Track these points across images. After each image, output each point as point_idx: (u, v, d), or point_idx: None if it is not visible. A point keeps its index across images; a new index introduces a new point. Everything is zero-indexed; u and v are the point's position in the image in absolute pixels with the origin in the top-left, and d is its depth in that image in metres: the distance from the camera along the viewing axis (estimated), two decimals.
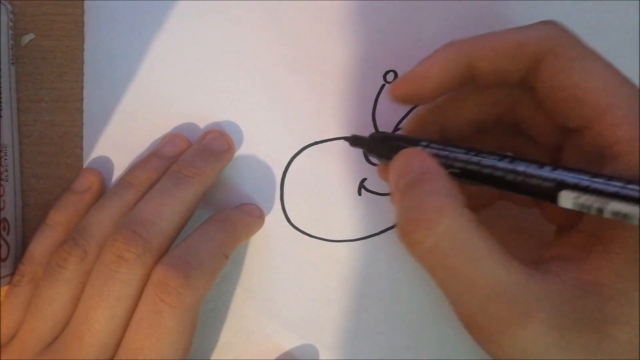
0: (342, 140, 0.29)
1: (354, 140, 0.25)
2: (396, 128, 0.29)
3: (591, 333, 0.18)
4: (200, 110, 0.29)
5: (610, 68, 0.20)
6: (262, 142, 0.29)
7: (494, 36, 0.21)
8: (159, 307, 0.22)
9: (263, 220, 0.28)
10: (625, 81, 0.19)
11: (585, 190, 0.18)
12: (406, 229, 0.19)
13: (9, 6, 0.28)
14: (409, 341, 0.28)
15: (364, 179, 0.29)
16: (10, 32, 0.28)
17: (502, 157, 0.20)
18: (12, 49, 0.28)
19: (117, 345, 0.23)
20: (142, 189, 0.26)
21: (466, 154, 0.20)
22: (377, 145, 0.23)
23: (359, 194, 0.29)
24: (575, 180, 0.18)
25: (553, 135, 0.22)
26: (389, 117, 0.29)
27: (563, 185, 0.18)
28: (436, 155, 0.21)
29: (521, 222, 0.26)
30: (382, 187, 0.29)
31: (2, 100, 0.27)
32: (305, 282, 0.29)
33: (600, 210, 0.17)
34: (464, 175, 0.20)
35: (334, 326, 0.29)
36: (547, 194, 0.18)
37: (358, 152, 0.29)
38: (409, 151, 0.21)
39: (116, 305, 0.23)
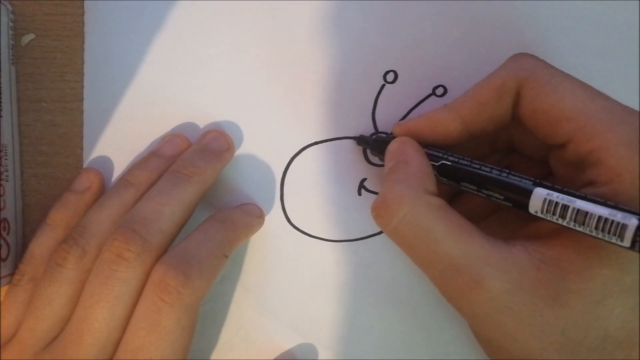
0: (342, 141, 0.29)
1: (360, 140, 0.28)
2: None
3: (547, 301, 0.20)
4: (200, 110, 0.29)
5: (582, 85, 0.22)
6: (262, 142, 0.29)
7: (475, 90, 0.24)
8: (159, 307, 0.22)
9: (263, 219, 0.28)
10: (597, 94, 0.22)
11: (557, 190, 0.20)
12: (374, 212, 0.23)
13: (9, 6, 0.28)
14: (409, 341, 0.28)
15: (364, 179, 0.29)
16: (11, 32, 0.28)
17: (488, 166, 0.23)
18: (12, 49, 0.28)
19: (117, 344, 0.23)
20: (141, 188, 0.26)
21: (454, 156, 0.24)
22: (380, 144, 0.26)
23: (359, 194, 0.29)
24: (549, 184, 0.20)
25: (542, 151, 0.24)
26: (389, 117, 0.29)
27: (539, 184, 0.21)
28: (428, 151, 0.24)
29: (506, 212, 0.26)
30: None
31: (2, 100, 0.27)
32: (305, 282, 0.29)
33: (565, 210, 0.19)
34: (454, 170, 0.23)
35: (334, 326, 0.29)
36: (523, 192, 0.21)
37: (358, 152, 0.29)
38: (398, 139, 0.25)
39: (116, 304, 0.23)
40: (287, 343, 0.29)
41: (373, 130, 0.29)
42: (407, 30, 0.28)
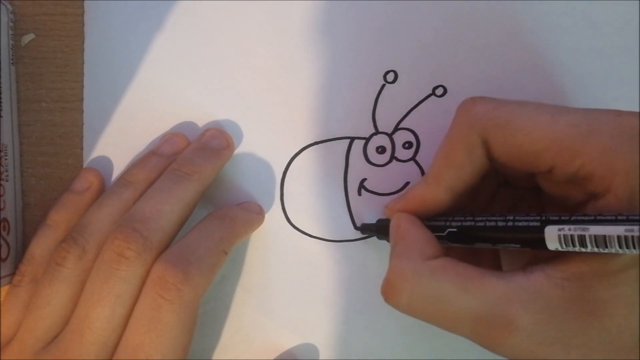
0: (342, 141, 0.29)
1: (363, 229, 0.28)
2: (396, 129, 0.29)
3: (583, 317, 0.19)
4: (200, 110, 0.29)
5: (538, 108, 0.21)
6: (262, 142, 0.29)
7: (445, 156, 0.23)
8: (158, 304, 0.22)
9: (263, 217, 0.28)
10: (556, 111, 0.21)
11: (566, 222, 0.19)
12: (384, 296, 0.23)
13: (9, 6, 0.28)
14: (409, 341, 0.28)
15: (364, 179, 0.29)
16: (11, 32, 0.28)
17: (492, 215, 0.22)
18: (12, 49, 0.28)
19: (117, 343, 0.23)
20: (140, 187, 0.26)
21: (462, 216, 0.23)
22: (384, 229, 0.26)
23: (359, 194, 0.29)
24: (556, 217, 0.20)
25: (531, 179, 0.24)
26: (389, 117, 0.29)
27: (547, 222, 0.20)
28: (431, 222, 0.24)
29: None
30: (381, 187, 0.29)
31: (2, 100, 0.27)
32: (305, 282, 0.29)
33: (583, 239, 0.19)
34: (461, 234, 0.23)
35: (334, 326, 0.29)
36: (535, 232, 0.20)
37: (358, 152, 0.29)
38: (393, 217, 0.25)
39: (116, 303, 0.23)
40: (287, 343, 0.29)
41: (373, 131, 0.29)
42: (408, 30, 0.28)
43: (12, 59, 0.28)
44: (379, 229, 0.27)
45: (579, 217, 0.19)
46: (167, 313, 0.22)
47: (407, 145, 0.29)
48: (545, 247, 0.20)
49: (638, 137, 0.19)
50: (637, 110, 0.21)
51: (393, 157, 0.29)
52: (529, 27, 0.28)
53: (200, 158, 0.27)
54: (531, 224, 0.20)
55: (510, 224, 0.21)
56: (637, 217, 0.18)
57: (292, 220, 0.29)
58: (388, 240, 0.25)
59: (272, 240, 0.29)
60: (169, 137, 0.28)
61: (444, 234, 0.23)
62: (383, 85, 0.28)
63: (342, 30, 0.29)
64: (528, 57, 0.28)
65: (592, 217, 0.19)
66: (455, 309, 0.21)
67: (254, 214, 0.28)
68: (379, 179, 0.29)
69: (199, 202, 0.26)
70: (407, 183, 0.28)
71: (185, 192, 0.25)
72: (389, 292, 0.23)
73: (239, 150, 0.29)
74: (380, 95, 0.29)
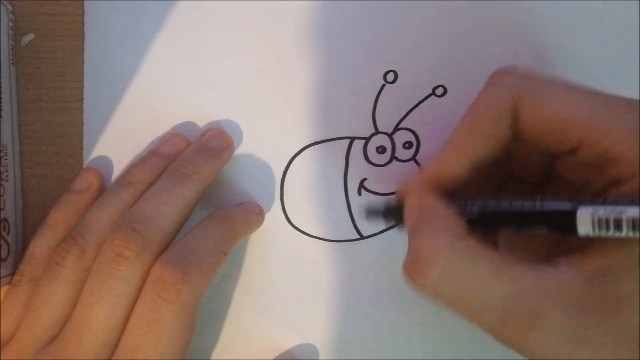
0: (342, 141, 0.29)
1: (369, 212, 0.25)
2: (396, 128, 0.29)
3: (611, 312, 0.19)
4: (200, 110, 0.29)
5: (574, 85, 0.21)
6: (262, 142, 0.29)
7: (471, 121, 0.22)
8: (158, 304, 0.22)
9: (263, 217, 0.28)
10: (592, 91, 0.21)
11: (601, 204, 0.18)
12: (409, 273, 0.21)
13: (9, 6, 0.28)
14: (409, 340, 0.28)
15: (364, 179, 0.29)
16: (11, 32, 0.28)
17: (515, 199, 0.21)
18: (12, 49, 0.29)
19: (116, 343, 0.23)
20: (140, 187, 0.26)
21: (476, 204, 0.21)
22: (393, 211, 0.24)
23: (359, 193, 0.29)
24: (588, 200, 0.19)
25: (544, 163, 0.23)
26: (389, 117, 0.29)
27: (579, 204, 0.19)
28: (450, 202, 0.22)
29: None
30: (382, 187, 0.29)
31: (2, 100, 0.27)
32: (305, 282, 0.29)
33: (619, 222, 0.18)
34: (483, 219, 0.21)
35: (334, 326, 0.29)
36: (566, 216, 0.19)
37: (358, 152, 0.29)
38: (413, 193, 0.23)
39: (116, 303, 0.23)
40: (287, 343, 0.29)
41: (373, 130, 0.29)
42: (408, 30, 0.28)
43: (12, 59, 0.28)
44: (387, 212, 0.24)
45: (611, 200, 0.18)
46: (167, 313, 0.22)
47: (407, 145, 0.29)
48: (574, 231, 0.19)
49: None
50: None
51: (393, 157, 0.29)
52: (529, 27, 0.28)
53: (200, 158, 0.27)
54: (561, 206, 0.19)
55: (538, 206, 0.20)
56: None
57: (292, 220, 0.29)
58: (397, 224, 0.24)
59: (272, 240, 0.29)
60: (169, 137, 0.28)
61: (465, 219, 0.21)
62: (383, 85, 0.29)
63: (342, 30, 0.29)
64: (528, 57, 0.28)
65: (630, 200, 0.18)
66: (484, 294, 0.19)
67: (253, 214, 0.28)
68: (379, 179, 0.29)
69: (198, 202, 0.26)
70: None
71: (185, 193, 0.25)
72: (417, 269, 0.20)
73: (239, 150, 0.29)
74: (380, 95, 0.29)
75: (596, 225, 0.19)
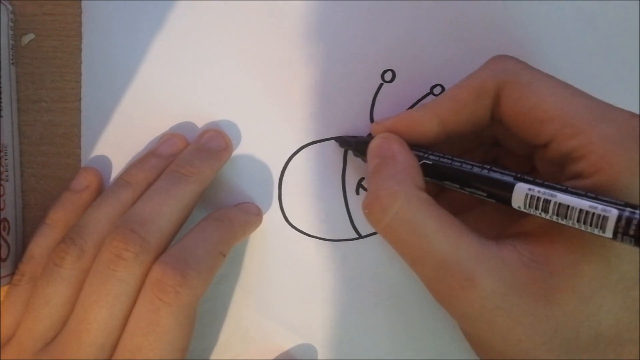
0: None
1: (342, 141, 0.28)
2: None
3: (538, 299, 0.20)
4: (198, 110, 0.29)
5: (562, 84, 0.22)
6: (260, 142, 0.29)
7: (454, 90, 0.24)
8: (157, 306, 0.23)
9: (261, 218, 0.28)
10: (577, 92, 0.22)
11: (539, 184, 0.20)
12: (366, 210, 0.23)
13: (9, 6, 0.28)
14: (409, 340, 0.28)
15: (362, 179, 0.29)
16: (10, 32, 0.29)
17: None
18: (12, 49, 0.29)
19: (115, 344, 0.23)
20: (139, 188, 0.26)
21: (435, 155, 0.24)
22: (362, 145, 0.26)
23: (357, 193, 0.29)
24: (530, 178, 0.21)
25: (525, 149, 0.24)
26: (387, 116, 0.28)
27: (521, 180, 0.21)
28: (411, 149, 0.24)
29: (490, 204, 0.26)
30: None
31: (2, 100, 0.27)
32: (304, 282, 0.29)
33: (547, 204, 0.19)
34: (435, 168, 0.23)
35: (333, 326, 0.29)
36: (505, 186, 0.21)
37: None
38: (381, 136, 0.25)
39: (114, 304, 0.23)
40: (286, 343, 0.29)
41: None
42: (406, 29, 0.28)
43: (12, 59, 0.29)
44: (358, 145, 0.27)
45: (551, 184, 0.20)
46: (165, 316, 0.22)
47: None
48: (509, 203, 0.21)
49: None
50: (637, 109, 0.21)
51: None
52: (528, 26, 0.28)
53: (199, 159, 0.27)
54: (505, 177, 0.21)
55: (485, 172, 0.22)
56: (605, 199, 0.18)
57: (290, 219, 0.29)
58: (363, 159, 0.26)
59: (270, 240, 0.29)
60: (167, 137, 0.28)
61: (419, 163, 0.23)
62: (381, 85, 0.28)
63: (339, 29, 0.28)
64: (527, 56, 0.28)
65: (564, 187, 0.19)
66: (427, 245, 0.21)
67: (251, 216, 0.28)
68: None
69: (197, 203, 0.27)
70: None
71: (184, 193, 0.25)
72: (375, 208, 0.22)
73: (237, 150, 0.29)
74: (378, 95, 0.29)
75: (527, 201, 0.20)
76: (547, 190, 0.20)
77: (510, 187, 0.21)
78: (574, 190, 0.19)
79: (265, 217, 0.29)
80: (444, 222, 0.21)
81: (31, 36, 0.29)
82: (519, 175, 0.21)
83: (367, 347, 0.29)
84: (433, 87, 0.28)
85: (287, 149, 0.29)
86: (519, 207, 0.20)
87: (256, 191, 0.29)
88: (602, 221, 0.18)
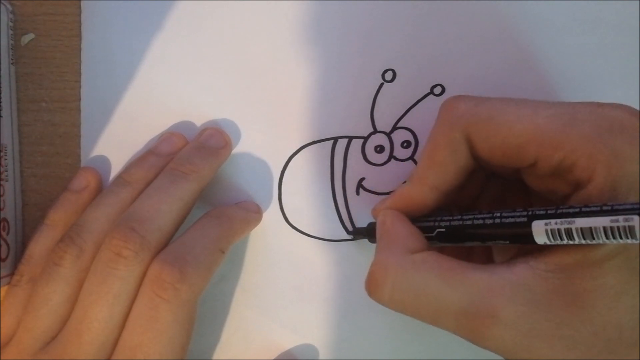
0: (340, 140, 0.29)
1: (355, 233, 0.29)
2: (394, 127, 0.28)
3: (566, 308, 0.19)
4: (198, 109, 0.29)
5: (519, 103, 0.22)
6: (260, 141, 0.29)
7: (429, 154, 0.23)
8: (156, 303, 0.23)
9: (260, 216, 0.28)
10: (537, 105, 0.21)
11: (552, 216, 0.19)
12: (368, 290, 0.23)
13: (9, 6, 0.28)
14: (409, 340, 0.28)
15: (362, 179, 0.29)
16: (10, 32, 0.29)
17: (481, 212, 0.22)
18: (12, 49, 0.29)
19: (115, 343, 0.23)
20: (138, 186, 0.26)
21: (450, 216, 0.23)
22: (372, 231, 0.26)
23: (357, 193, 0.29)
24: (542, 211, 0.20)
25: (516, 173, 0.24)
26: (387, 116, 0.29)
27: (534, 217, 0.20)
28: (420, 223, 0.24)
29: None
30: (380, 186, 0.29)
31: (2, 100, 0.27)
32: (303, 282, 0.29)
33: (569, 232, 0.19)
34: (450, 233, 0.23)
35: (333, 326, 0.29)
36: (522, 228, 0.20)
37: (357, 151, 0.29)
38: (380, 215, 0.25)
39: (114, 303, 0.23)
40: (286, 343, 0.29)
41: (372, 130, 0.29)
42: (406, 29, 0.28)
43: (12, 59, 0.29)
44: (369, 232, 0.27)
45: (564, 210, 0.19)
46: (165, 312, 0.22)
47: (406, 144, 0.29)
48: (534, 241, 0.20)
49: (617, 126, 0.20)
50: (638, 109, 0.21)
51: (392, 156, 0.29)
52: (528, 26, 0.28)
53: (198, 157, 0.27)
54: (518, 219, 0.20)
55: (497, 220, 0.21)
56: (621, 207, 0.18)
57: (290, 219, 0.29)
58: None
59: (270, 239, 0.29)
60: (166, 136, 0.28)
61: (434, 234, 0.23)
62: (381, 84, 0.28)
63: (340, 29, 0.28)
64: (527, 56, 0.28)
65: (578, 209, 0.19)
66: (438, 302, 0.21)
67: (251, 213, 0.28)
68: (377, 178, 0.29)
69: (196, 201, 0.27)
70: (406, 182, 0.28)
71: (183, 192, 0.25)
72: (372, 285, 0.22)
73: (237, 149, 0.29)
74: (379, 94, 0.29)
75: (550, 235, 0.19)
76: (564, 220, 0.19)
77: (527, 227, 0.20)
78: (588, 209, 0.19)
79: (264, 216, 0.29)
80: (445, 272, 0.21)
81: (31, 36, 0.29)
82: (531, 213, 0.20)
83: (367, 346, 0.28)
84: (433, 86, 0.28)
85: (288, 149, 0.29)
86: (545, 242, 0.20)
87: (256, 190, 0.29)
88: (629, 231, 0.18)
